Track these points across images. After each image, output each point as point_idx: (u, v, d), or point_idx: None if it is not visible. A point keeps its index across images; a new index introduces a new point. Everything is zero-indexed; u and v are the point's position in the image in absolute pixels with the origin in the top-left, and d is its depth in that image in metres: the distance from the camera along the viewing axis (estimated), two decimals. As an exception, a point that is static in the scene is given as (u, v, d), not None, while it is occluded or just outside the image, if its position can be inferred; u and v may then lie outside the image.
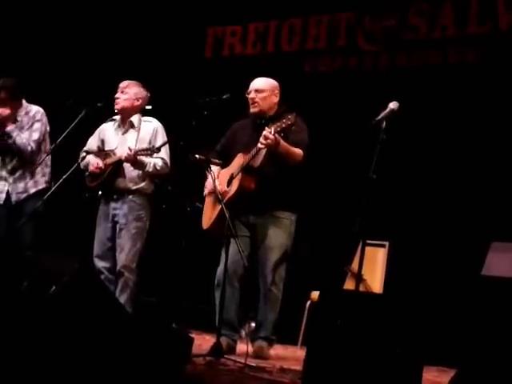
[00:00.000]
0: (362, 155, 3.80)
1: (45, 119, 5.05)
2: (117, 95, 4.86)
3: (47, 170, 5.05)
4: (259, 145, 4.16)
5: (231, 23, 6.98)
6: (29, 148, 4.93)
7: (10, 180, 5.01)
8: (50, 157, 5.03)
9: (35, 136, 4.96)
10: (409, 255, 5.37)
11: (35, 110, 5.04)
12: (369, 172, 3.55)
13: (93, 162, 4.80)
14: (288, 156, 4.28)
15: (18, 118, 5.00)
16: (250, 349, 4.18)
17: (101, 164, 4.76)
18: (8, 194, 4.98)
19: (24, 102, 5.07)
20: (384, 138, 3.60)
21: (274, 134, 4.09)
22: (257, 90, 4.45)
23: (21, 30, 7.27)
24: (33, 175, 4.99)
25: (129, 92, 4.85)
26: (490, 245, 4.78)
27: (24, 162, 4.97)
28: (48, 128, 5.07)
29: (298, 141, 4.30)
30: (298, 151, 4.32)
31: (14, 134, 4.92)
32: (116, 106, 4.84)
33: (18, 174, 5.00)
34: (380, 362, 2.89)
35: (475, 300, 4.53)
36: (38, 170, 4.99)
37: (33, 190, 4.99)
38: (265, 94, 4.45)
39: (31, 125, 4.97)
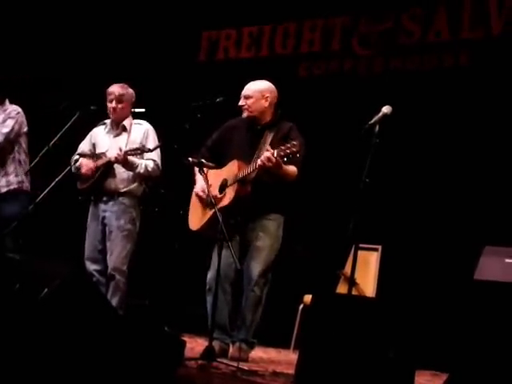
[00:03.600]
0: (356, 159, 3.80)
1: (20, 119, 4.92)
2: (113, 105, 4.78)
3: (21, 170, 4.91)
4: (259, 162, 4.12)
5: (225, 27, 6.99)
6: None
7: None
8: (26, 157, 4.92)
9: (4, 130, 4.85)
10: (401, 259, 5.38)
11: (12, 108, 4.94)
12: (362, 176, 3.55)
13: (84, 164, 4.78)
14: (283, 176, 4.27)
15: None
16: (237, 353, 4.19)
17: (92, 166, 4.73)
18: None
19: (7, 102, 4.99)
20: (377, 142, 3.60)
21: (276, 158, 4.06)
22: (245, 97, 4.48)
23: (14, 32, 7.26)
24: (5, 173, 4.87)
25: (125, 101, 4.82)
26: (482, 249, 4.78)
27: None
28: (25, 129, 4.93)
29: (294, 159, 4.23)
30: (293, 170, 4.29)
31: None
32: (114, 116, 4.80)
33: None
34: (373, 365, 2.89)
35: (468, 304, 4.53)
36: (11, 169, 4.87)
37: (4, 190, 4.88)
38: (252, 100, 4.45)
39: (3, 121, 4.88)
